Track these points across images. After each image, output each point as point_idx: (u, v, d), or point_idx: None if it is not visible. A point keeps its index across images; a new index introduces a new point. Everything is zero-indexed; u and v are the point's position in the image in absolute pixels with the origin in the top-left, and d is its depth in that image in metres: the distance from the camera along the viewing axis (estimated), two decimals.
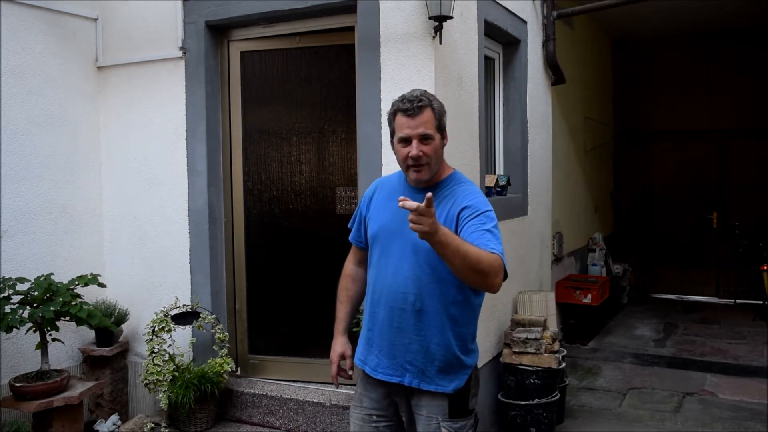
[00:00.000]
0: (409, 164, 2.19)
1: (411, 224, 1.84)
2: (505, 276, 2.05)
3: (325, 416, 3.78)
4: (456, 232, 2.11)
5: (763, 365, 5.75)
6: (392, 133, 2.25)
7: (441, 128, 2.22)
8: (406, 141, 2.17)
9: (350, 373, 2.50)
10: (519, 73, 4.79)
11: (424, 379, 2.23)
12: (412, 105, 2.16)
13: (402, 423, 2.38)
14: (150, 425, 3.87)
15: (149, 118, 4.30)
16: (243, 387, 4.08)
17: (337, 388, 2.67)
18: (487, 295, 4.23)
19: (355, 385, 2.50)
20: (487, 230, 2.08)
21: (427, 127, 2.15)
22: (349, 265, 2.57)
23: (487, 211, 2.16)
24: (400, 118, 2.18)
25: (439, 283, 2.18)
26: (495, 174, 4.61)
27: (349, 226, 2.56)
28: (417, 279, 2.19)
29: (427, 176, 2.20)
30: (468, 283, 2.05)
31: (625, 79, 9.10)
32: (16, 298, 3.55)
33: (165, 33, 4.21)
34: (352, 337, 2.55)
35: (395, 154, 2.25)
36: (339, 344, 2.50)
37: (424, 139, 2.15)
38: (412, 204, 1.82)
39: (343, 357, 2.49)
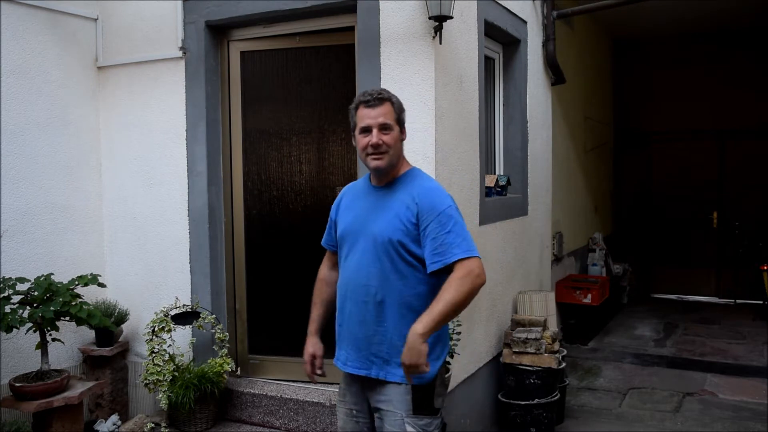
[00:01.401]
0: (368, 152, 2.30)
1: (411, 369, 2.10)
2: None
3: (325, 416, 3.78)
4: (416, 226, 2.23)
5: (763, 365, 5.76)
6: (353, 127, 2.35)
7: (400, 122, 2.34)
8: (366, 130, 2.29)
9: (319, 372, 2.57)
10: (519, 73, 4.79)
11: (389, 372, 2.27)
12: (373, 97, 2.29)
13: None
14: (150, 425, 3.88)
15: (149, 118, 4.30)
16: (243, 387, 4.08)
17: (315, 384, 2.75)
18: (488, 296, 4.25)
19: (335, 382, 2.57)
20: (448, 232, 2.17)
21: (387, 117, 2.28)
22: (323, 269, 2.67)
23: (446, 208, 2.23)
24: (362, 110, 2.30)
25: (398, 275, 2.26)
26: (495, 174, 4.61)
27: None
28: (378, 272, 2.27)
29: (385, 164, 2.30)
30: None
31: (625, 79, 9.10)
32: (16, 298, 3.55)
33: (165, 33, 4.21)
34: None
35: (356, 146, 2.36)
36: (310, 344, 2.58)
37: (383, 128, 2.27)
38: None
39: (314, 356, 2.55)
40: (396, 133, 2.30)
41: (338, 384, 4.03)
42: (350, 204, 2.48)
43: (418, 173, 2.39)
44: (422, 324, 2.08)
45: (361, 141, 2.31)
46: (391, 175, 2.35)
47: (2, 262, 3.83)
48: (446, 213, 2.21)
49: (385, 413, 2.30)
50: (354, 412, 2.43)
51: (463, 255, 2.15)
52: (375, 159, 2.29)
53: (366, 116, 2.28)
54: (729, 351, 6.24)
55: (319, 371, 2.55)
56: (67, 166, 4.25)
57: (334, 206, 2.59)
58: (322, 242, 2.65)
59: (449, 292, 2.11)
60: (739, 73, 8.43)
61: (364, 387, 2.38)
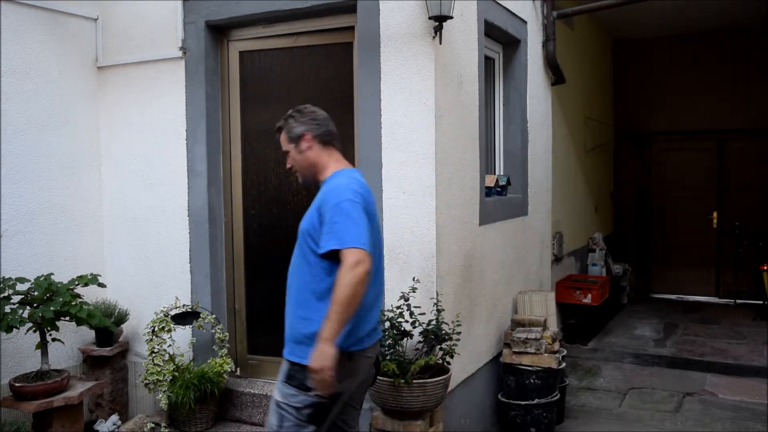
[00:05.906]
0: None
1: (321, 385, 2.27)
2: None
3: None
4: (321, 220, 2.39)
5: (763, 365, 5.75)
6: None
7: (294, 140, 2.57)
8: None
9: None
10: (519, 73, 4.79)
11: (287, 348, 2.48)
12: (276, 128, 2.65)
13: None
14: (150, 425, 3.88)
15: (149, 118, 4.30)
16: (243, 387, 4.08)
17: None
18: (487, 296, 4.25)
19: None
20: (335, 223, 2.31)
21: (283, 145, 2.61)
22: None
23: (338, 202, 2.34)
24: None
25: (300, 266, 2.49)
26: (495, 174, 4.61)
27: None
28: (292, 263, 2.55)
29: (301, 180, 2.66)
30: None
31: (626, 79, 9.10)
32: (16, 298, 3.55)
33: (165, 33, 4.20)
34: None
35: None
36: None
37: (286, 153, 2.62)
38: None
39: None
40: (293, 154, 2.57)
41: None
42: None
43: (335, 175, 2.53)
44: (324, 329, 2.23)
45: None
46: (319, 180, 2.58)
47: (2, 262, 3.84)
48: (337, 207, 2.33)
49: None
50: None
51: (338, 246, 2.26)
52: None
53: None
54: (729, 351, 6.24)
55: None
56: (67, 166, 4.25)
57: None
58: None
59: (335, 293, 2.24)
60: (739, 73, 8.43)
61: None
